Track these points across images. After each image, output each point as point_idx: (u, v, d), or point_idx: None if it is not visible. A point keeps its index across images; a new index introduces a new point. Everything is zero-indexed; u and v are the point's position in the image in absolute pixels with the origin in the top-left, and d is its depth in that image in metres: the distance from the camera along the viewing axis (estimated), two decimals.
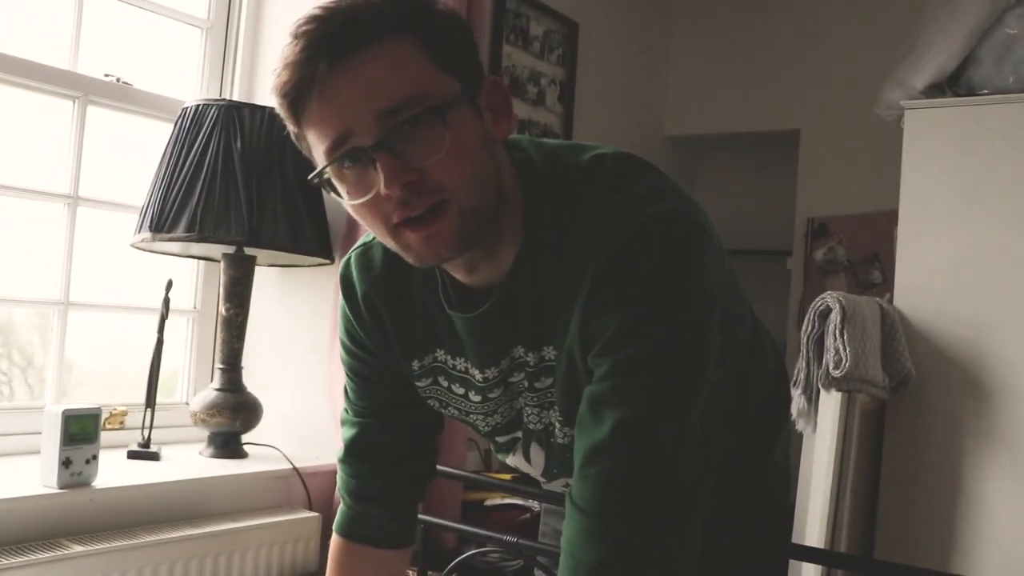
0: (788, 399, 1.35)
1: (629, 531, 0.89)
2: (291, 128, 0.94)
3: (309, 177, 0.93)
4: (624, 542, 0.88)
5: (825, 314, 2.27)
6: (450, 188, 0.89)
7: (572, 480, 0.94)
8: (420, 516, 1.48)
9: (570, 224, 0.95)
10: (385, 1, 0.89)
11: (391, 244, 0.95)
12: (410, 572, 1.64)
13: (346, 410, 1.23)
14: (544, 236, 0.97)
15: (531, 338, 1.01)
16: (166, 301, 1.94)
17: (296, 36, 0.89)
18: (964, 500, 2.44)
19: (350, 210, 0.94)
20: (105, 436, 1.73)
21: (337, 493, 1.28)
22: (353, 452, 1.21)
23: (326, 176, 0.91)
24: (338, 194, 0.93)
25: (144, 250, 2.01)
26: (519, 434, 1.14)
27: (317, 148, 0.91)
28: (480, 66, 0.96)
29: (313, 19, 0.89)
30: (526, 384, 1.05)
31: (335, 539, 1.25)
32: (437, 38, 0.90)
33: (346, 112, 0.87)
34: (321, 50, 0.87)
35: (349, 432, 1.21)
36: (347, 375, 1.21)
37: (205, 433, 2.03)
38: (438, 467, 1.30)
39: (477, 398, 1.11)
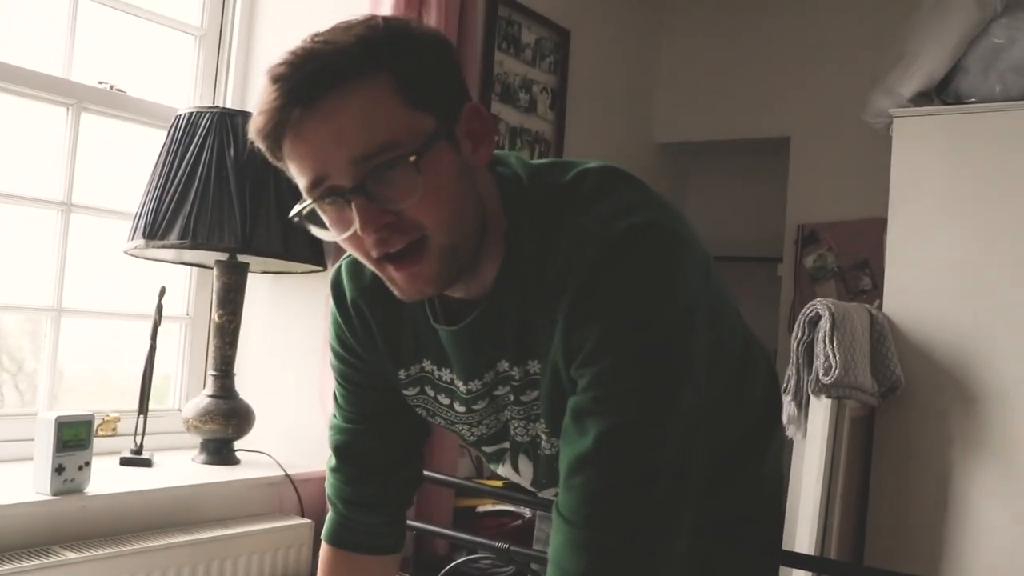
0: (779, 405, 1.36)
1: (614, 541, 0.90)
2: (273, 162, 0.95)
3: (290, 215, 0.94)
4: (609, 552, 0.90)
5: (815, 321, 2.28)
6: (428, 227, 0.90)
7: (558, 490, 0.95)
8: (411, 523, 1.49)
9: (553, 239, 0.96)
10: (357, 42, 0.89)
11: (377, 273, 0.97)
12: None
13: (335, 415, 1.24)
14: (527, 250, 0.98)
15: (516, 352, 1.02)
16: (159, 308, 1.95)
17: (270, 80, 0.89)
18: (953, 505, 2.45)
19: (338, 241, 0.95)
20: (97, 443, 1.73)
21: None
22: (343, 458, 1.22)
23: (307, 211, 0.92)
24: (322, 227, 0.94)
25: (137, 257, 2.01)
26: (506, 445, 1.15)
27: (298, 181, 0.93)
28: (460, 90, 0.96)
29: (286, 63, 0.88)
30: (512, 397, 1.06)
31: (324, 548, 1.26)
32: (412, 73, 0.89)
33: (320, 155, 0.88)
34: (294, 95, 0.87)
35: (339, 438, 1.22)
36: (337, 381, 1.22)
37: (197, 440, 2.03)
38: (430, 473, 1.31)
39: (462, 409, 1.12)
